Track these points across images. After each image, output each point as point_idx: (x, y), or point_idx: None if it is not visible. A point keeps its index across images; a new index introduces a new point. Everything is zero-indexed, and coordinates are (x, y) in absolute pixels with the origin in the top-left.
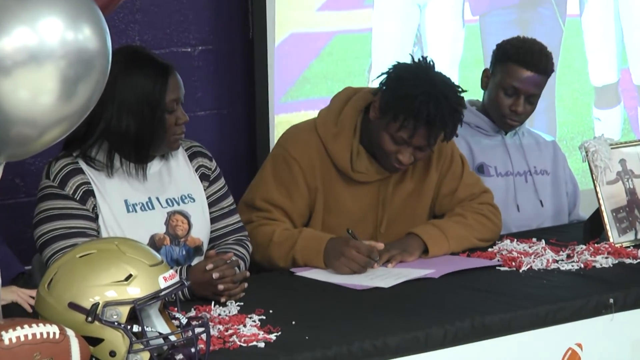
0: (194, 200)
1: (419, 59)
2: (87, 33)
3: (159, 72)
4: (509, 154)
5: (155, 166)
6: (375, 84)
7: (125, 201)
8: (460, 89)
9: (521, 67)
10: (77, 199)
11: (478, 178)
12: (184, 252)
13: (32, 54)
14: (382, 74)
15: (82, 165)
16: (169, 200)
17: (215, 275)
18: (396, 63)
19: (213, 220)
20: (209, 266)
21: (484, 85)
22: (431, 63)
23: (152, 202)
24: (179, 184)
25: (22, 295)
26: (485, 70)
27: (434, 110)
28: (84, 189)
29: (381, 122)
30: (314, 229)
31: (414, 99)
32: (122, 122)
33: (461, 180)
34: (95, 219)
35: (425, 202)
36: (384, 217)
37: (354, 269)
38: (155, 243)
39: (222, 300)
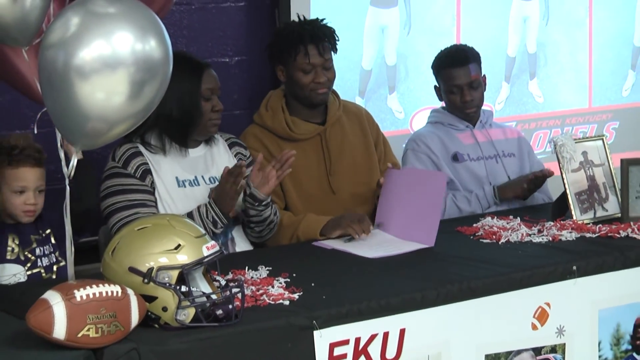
0: None
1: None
2: (152, 44)
3: (196, 66)
4: (478, 142)
5: (200, 151)
6: None
7: (176, 178)
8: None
9: (450, 68)
10: (138, 176)
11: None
12: None
13: (106, 62)
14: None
15: (141, 149)
16: (211, 178)
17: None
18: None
19: None
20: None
21: (440, 98)
22: (303, 17)
23: (198, 179)
24: (219, 165)
25: None
26: (435, 87)
27: (308, 27)
28: (143, 169)
29: (288, 71)
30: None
31: (289, 31)
32: (167, 107)
33: (386, 157)
34: (152, 192)
35: (372, 155)
36: (331, 168)
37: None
38: None
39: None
